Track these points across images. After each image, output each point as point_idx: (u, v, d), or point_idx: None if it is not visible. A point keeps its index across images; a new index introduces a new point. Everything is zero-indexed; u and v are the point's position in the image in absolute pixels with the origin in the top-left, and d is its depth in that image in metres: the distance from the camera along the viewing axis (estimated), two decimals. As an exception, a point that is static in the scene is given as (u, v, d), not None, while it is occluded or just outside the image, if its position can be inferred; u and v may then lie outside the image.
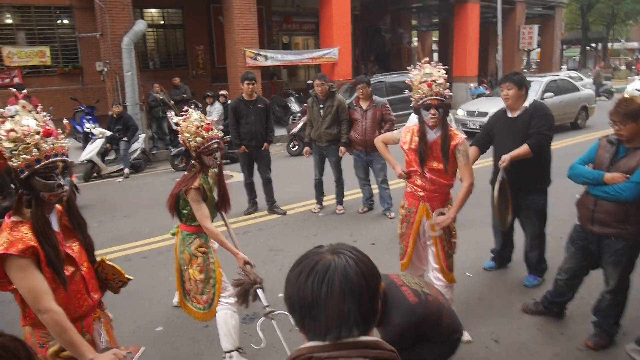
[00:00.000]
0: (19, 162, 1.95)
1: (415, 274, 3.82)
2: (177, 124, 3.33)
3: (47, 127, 2.03)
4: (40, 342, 2.11)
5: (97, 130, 9.91)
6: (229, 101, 10.11)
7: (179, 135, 3.36)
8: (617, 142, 3.24)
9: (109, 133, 9.84)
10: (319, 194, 6.74)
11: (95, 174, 9.77)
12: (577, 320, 3.78)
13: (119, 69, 11.29)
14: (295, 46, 20.93)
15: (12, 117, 2.01)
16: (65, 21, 14.32)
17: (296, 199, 7.25)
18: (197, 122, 3.22)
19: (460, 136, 3.40)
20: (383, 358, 1.10)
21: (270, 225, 6.28)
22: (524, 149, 3.93)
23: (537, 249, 4.29)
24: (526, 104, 4.07)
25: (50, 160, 2.00)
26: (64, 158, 2.07)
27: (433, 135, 3.42)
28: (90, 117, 11.18)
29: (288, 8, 19.01)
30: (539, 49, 24.52)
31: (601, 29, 33.61)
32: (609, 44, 36.02)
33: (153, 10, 15.71)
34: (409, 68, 3.56)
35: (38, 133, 1.97)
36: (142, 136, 10.47)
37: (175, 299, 4.31)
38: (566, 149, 9.84)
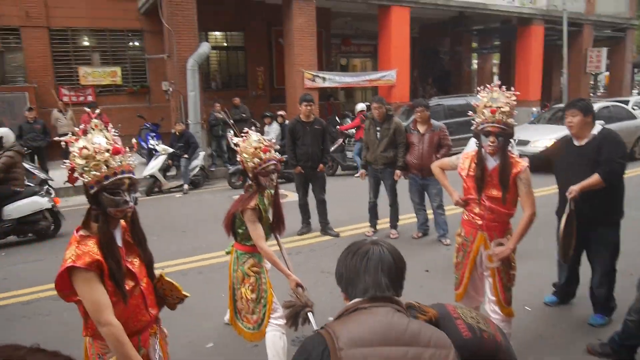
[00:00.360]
0: (89, 178, 2.05)
1: (470, 305, 3.68)
2: (236, 145, 3.41)
3: (116, 145, 2.12)
4: (100, 352, 2.17)
5: (161, 147, 10.35)
6: (287, 121, 10.29)
7: (238, 155, 3.44)
8: None
9: (171, 150, 10.25)
10: (373, 217, 6.67)
11: (156, 189, 10.17)
12: (649, 365, 3.51)
13: (183, 89, 11.79)
14: (353, 68, 21.14)
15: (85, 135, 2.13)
16: (136, 43, 15.16)
17: (350, 221, 7.22)
18: (255, 143, 3.28)
19: (522, 164, 3.28)
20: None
21: (322, 247, 6.27)
22: (595, 179, 3.69)
23: (606, 286, 3.99)
24: (594, 131, 3.85)
25: (118, 177, 2.09)
26: (131, 175, 2.15)
27: (492, 162, 3.31)
28: (154, 134, 11.73)
29: (347, 30, 19.26)
30: (607, 73, 23.48)
31: (677, 51, 31.74)
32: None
33: (217, 33, 16.35)
34: (478, 89, 3.46)
35: (108, 151, 2.07)
36: (201, 154, 10.82)
37: (227, 317, 4.36)
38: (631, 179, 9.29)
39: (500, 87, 3.30)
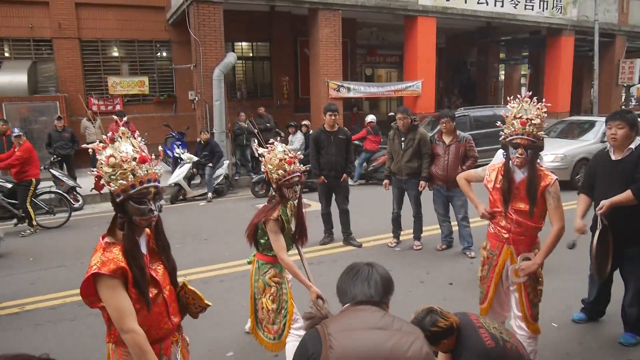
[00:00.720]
0: (116, 187, 2.06)
1: (496, 320, 3.58)
2: (261, 155, 3.41)
3: (143, 154, 2.13)
4: (122, 359, 2.17)
5: (186, 155, 10.46)
6: (311, 131, 10.29)
7: (262, 165, 3.44)
8: None
9: (196, 158, 10.35)
10: (397, 228, 6.59)
11: (181, 197, 10.27)
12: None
13: (209, 98, 11.93)
14: (378, 78, 21.09)
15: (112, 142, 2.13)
16: (164, 54, 15.45)
17: (373, 232, 7.14)
18: (280, 154, 3.29)
19: (551, 177, 3.19)
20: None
21: (344, 257, 6.21)
22: (626, 195, 3.55)
23: (638, 305, 3.82)
24: (633, 145, 3.67)
25: (144, 186, 2.10)
26: (156, 184, 2.16)
27: (520, 174, 3.23)
28: (180, 142, 11.88)
29: (373, 41, 19.26)
30: (639, 85, 22.86)
31: None
32: None
33: (243, 44, 16.54)
34: (508, 99, 3.39)
35: (134, 159, 2.08)
36: (226, 162, 10.91)
37: (248, 325, 4.34)
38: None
39: (531, 98, 3.22)
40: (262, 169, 3.48)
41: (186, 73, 13.99)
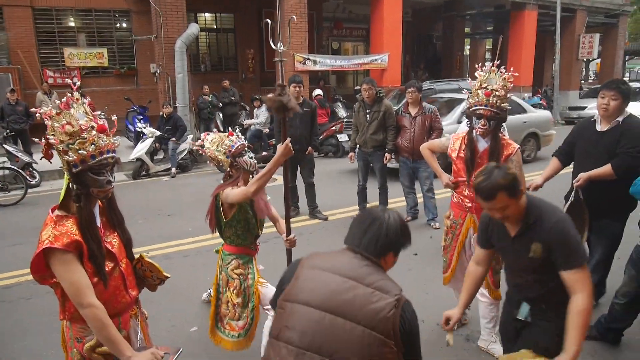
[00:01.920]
0: (74, 157, 1.94)
1: (457, 288, 3.65)
2: (202, 147, 3.29)
3: (100, 123, 2.03)
4: (78, 336, 2.10)
5: (148, 129, 10.17)
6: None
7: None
8: None
9: (158, 133, 10.08)
10: (362, 200, 6.60)
11: (143, 172, 10.01)
12: (634, 348, 3.49)
13: (171, 71, 11.58)
14: (345, 52, 20.92)
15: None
16: (123, 24, 14.85)
17: (338, 205, 7.14)
18: (216, 139, 3.21)
19: (514, 146, 3.24)
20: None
21: (310, 230, 6.20)
22: (606, 169, 3.49)
23: (600, 273, 3.88)
24: (620, 117, 3.57)
25: (104, 156, 2.00)
26: (114, 155, 2.07)
27: (484, 144, 3.25)
28: (142, 117, 11.52)
29: (338, 14, 19.02)
30: (599, 60, 23.46)
31: (668, 39, 31.84)
32: (677, 56, 34.03)
33: (207, 15, 16.06)
34: (477, 66, 3.35)
35: (93, 128, 1.97)
36: (189, 137, 10.66)
37: (205, 295, 4.28)
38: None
39: (498, 67, 3.20)
40: (209, 163, 3.33)
41: (147, 45, 13.53)
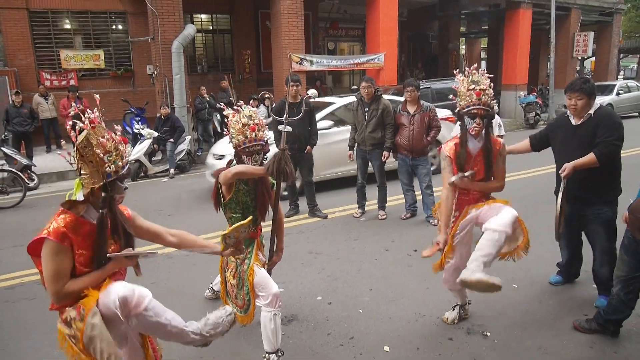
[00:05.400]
0: (113, 168, 2.22)
1: (453, 288, 3.73)
2: (226, 117, 3.31)
3: (122, 136, 2.35)
4: (62, 319, 2.30)
5: (146, 131, 10.18)
6: (274, 104, 10.17)
7: (225, 130, 3.36)
8: None
9: (156, 134, 10.09)
10: (361, 198, 6.64)
11: (142, 174, 10.02)
12: (633, 338, 3.52)
13: (168, 72, 11.58)
14: (340, 52, 20.95)
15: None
16: (120, 26, 14.84)
17: (338, 203, 7.18)
18: (245, 119, 3.19)
19: (500, 141, 3.46)
20: None
21: (310, 229, 6.23)
22: (589, 158, 3.63)
23: (608, 265, 3.87)
24: (591, 110, 3.76)
25: (128, 166, 2.36)
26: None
27: (476, 144, 3.41)
28: (139, 118, 11.52)
29: (334, 14, 19.05)
30: (593, 58, 23.58)
31: (662, 37, 32.00)
32: (671, 54, 34.23)
33: (203, 16, 16.07)
34: (455, 72, 3.50)
35: (122, 142, 2.30)
36: (187, 138, 10.68)
37: (207, 292, 4.32)
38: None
39: (478, 69, 3.36)
40: (225, 133, 3.39)
41: (144, 46, 13.53)
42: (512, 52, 17.82)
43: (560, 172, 3.72)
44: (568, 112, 3.92)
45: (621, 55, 28.50)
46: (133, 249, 2.42)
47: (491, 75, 3.37)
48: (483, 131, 3.36)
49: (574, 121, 3.86)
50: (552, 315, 3.90)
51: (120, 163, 2.24)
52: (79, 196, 2.23)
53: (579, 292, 4.31)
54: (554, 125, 4.16)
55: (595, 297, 4.08)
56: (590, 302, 4.05)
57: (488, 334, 3.64)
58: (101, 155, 2.18)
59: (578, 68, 22.39)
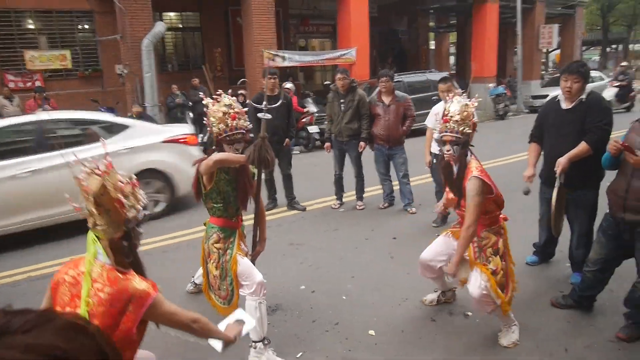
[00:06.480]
0: (133, 214, 2.07)
1: (426, 276, 3.77)
2: (206, 106, 3.28)
3: (132, 181, 2.16)
4: None
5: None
6: (248, 101, 10.12)
7: (205, 119, 3.31)
8: None
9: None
10: (339, 189, 6.67)
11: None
12: (606, 312, 3.67)
13: (139, 71, 11.40)
14: (311, 49, 20.95)
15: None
16: (86, 25, 14.52)
17: (316, 195, 7.20)
18: (225, 108, 3.17)
19: (472, 174, 3.13)
20: None
21: (289, 221, 6.24)
22: (582, 148, 3.67)
23: (584, 247, 4.01)
24: (583, 95, 3.80)
25: (145, 209, 2.18)
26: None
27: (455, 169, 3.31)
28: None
29: (305, 10, 19.04)
30: (558, 50, 24.18)
31: (622, 29, 33.07)
32: (630, 45, 35.42)
33: (171, 14, 15.86)
34: (448, 98, 3.41)
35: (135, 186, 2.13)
36: (161, 136, 10.52)
37: (189, 286, 4.29)
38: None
39: (461, 94, 3.28)
40: (205, 122, 3.35)
41: (112, 45, 13.27)
42: (481, 45, 18.14)
43: (555, 169, 3.71)
44: (558, 96, 3.95)
45: (584, 48, 29.33)
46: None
47: (479, 99, 3.29)
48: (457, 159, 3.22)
49: (564, 105, 3.89)
50: (530, 294, 4.01)
51: (139, 206, 2.10)
52: (99, 252, 2.05)
53: (555, 270, 4.46)
54: (543, 112, 4.19)
55: (570, 274, 4.23)
56: (565, 279, 4.20)
57: (469, 314, 3.73)
58: (122, 200, 2.03)
59: (544, 60, 22.97)
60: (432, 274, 3.67)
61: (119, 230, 2.03)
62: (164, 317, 2.08)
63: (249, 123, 3.31)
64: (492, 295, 3.18)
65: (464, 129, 3.13)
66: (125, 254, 2.08)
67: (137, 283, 2.01)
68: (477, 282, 3.18)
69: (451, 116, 3.15)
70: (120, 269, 2.05)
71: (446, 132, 3.16)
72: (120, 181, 2.03)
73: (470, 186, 3.10)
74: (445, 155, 3.23)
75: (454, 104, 3.19)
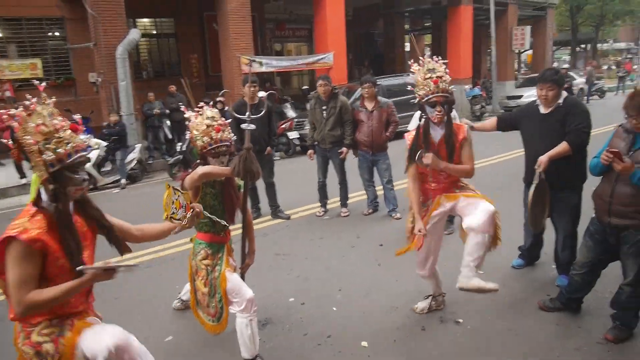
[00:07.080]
0: (52, 156, 1.98)
1: (424, 277, 3.79)
2: (188, 120, 3.22)
3: (71, 122, 2.10)
4: (26, 334, 2.10)
5: (93, 141, 9.76)
6: (227, 107, 10.02)
7: (187, 132, 3.25)
8: (634, 132, 3.18)
9: (104, 144, 9.71)
10: (323, 197, 6.64)
11: (91, 186, 9.62)
12: (594, 314, 3.70)
13: (113, 79, 11.17)
14: (288, 53, 20.94)
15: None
16: (57, 33, 14.20)
17: (299, 203, 7.15)
18: (208, 121, 3.11)
19: (465, 127, 3.45)
20: None
21: (274, 230, 6.18)
22: (563, 147, 3.75)
23: (569, 249, 4.07)
24: (560, 99, 3.90)
25: (79, 154, 2.07)
26: (86, 154, 2.14)
27: (438, 132, 3.38)
28: (84, 128, 11.05)
29: (281, 15, 19.01)
30: (531, 51, 24.65)
31: (590, 30, 33.91)
32: (598, 45, 36.35)
33: (146, 20, 15.64)
34: (410, 62, 3.46)
35: (67, 128, 2.04)
36: (138, 146, 10.35)
37: (176, 303, 4.18)
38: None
39: (432, 57, 3.36)
40: (188, 136, 3.28)
41: (85, 53, 12.99)
42: (456, 47, 18.36)
43: (536, 167, 3.77)
44: (537, 101, 4.03)
45: (554, 48, 29.96)
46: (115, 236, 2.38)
47: (446, 61, 3.37)
48: (445, 118, 3.34)
49: (542, 109, 3.98)
50: (518, 298, 4.04)
51: (62, 150, 1.98)
52: (39, 192, 2.05)
53: (541, 273, 4.49)
54: (522, 113, 4.28)
55: (556, 277, 4.27)
56: (552, 282, 4.23)
57: (460, 320, 3.73)
58: (35, 141, 1.96)
59: (516, 61, 23.39)
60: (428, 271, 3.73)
61: (44, 173, 2.01)
62: (6, 266, 1.96)
63: (233, 135, 3.27)
64: (496, 219, 3.32)
65: (450, 87, 3.31)
66: (50, 197, 2.03)
67: (20, 220, 1.97)
68: (485, 205, 3.26)
69: (439, 76, 3.25)
70: (34, 210, 2.02)
71: (438, 92, 3.25)
72: (43, 124, 1.99)
73: (470, 137, 3.40)
74: (436, 117, 3.29)
75: (434, 66, 3.28)
